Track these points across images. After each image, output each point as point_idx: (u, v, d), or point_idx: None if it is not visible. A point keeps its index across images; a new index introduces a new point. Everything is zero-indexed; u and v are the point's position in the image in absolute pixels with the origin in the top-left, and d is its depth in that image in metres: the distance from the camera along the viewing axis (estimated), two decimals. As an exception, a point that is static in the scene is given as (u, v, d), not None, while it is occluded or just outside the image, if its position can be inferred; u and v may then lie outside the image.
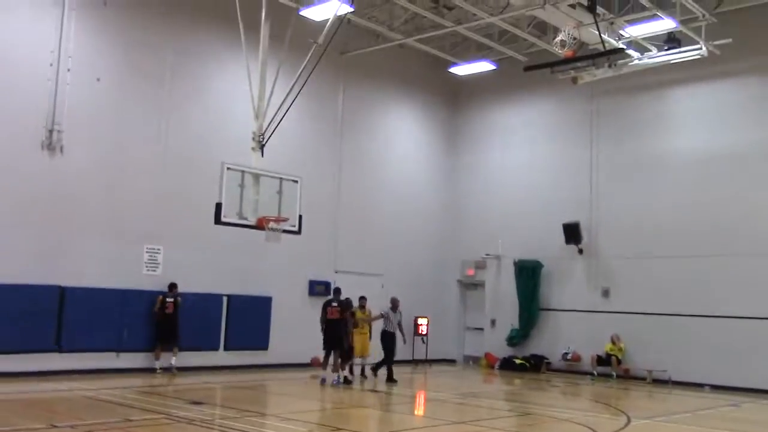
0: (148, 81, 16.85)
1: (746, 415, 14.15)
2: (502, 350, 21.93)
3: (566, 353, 20.69)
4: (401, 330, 16.87)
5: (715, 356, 17.99)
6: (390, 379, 16.26)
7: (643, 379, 18.97)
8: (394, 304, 16.87)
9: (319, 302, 19.81)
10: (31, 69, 14.98)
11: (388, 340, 16.56)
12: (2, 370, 13.85)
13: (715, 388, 17.70)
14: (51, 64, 15.17)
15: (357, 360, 16.30)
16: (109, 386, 13.62)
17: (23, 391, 12.73)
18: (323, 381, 15.31)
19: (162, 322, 16.08)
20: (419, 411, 13.56)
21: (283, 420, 10.96)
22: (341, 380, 15.27)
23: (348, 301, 16.01)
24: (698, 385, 17.95)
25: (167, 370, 15.93)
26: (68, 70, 15.37)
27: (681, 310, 18.74)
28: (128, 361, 15.92)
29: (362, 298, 16.67)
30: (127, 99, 16.48)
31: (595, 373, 19.31)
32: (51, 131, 15.10)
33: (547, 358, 21.15)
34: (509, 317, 22.00)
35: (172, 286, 16.40)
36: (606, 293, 20.37)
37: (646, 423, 12.19)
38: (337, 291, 16.44)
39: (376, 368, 16.75)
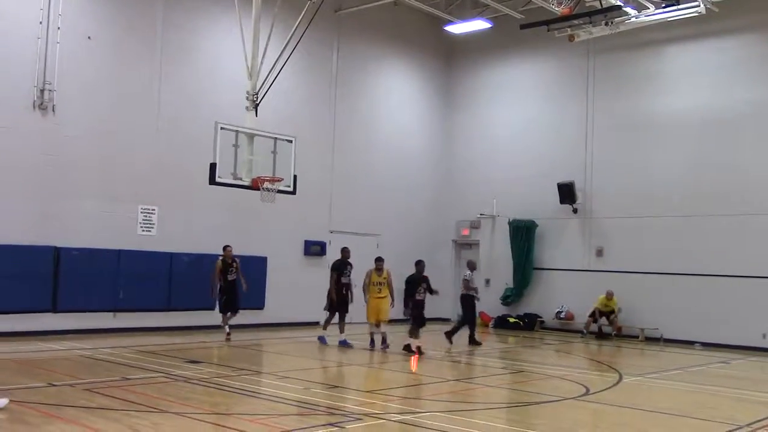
0: (140, 39, 16.64)
1: (735, 372, 14.38)
2: (497, 309, 22.12)
3: (560, 312, 20.89)
4: (475, 292, 16.62)
5: (705, 315, 18.21)
6: (473, 341, 16.31)
7: (636, 337, 19.21)
8: (472, 266, 16.70)
9: (314, 262, 19.97)
10: (20, 27, 14.77)
11: (468, 302, 16.39)
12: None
13: (706, 345, 17.95)
14: (40, 22, 14.94)
15: (374, 327, 15.18)
16: (106, 345, 13.73)
17: (20, 350, 12.81)
18: (322, 340, 15.55)
19: (226, 289, 15.74)
20: (413, 368, 13.70)
21: (279, 378, 11.09)
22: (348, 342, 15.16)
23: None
24: (689, 343, 18.19)
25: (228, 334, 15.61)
26: (58, 28, 15.15)
27: (673, 269, 18.89)
28: (124, 320, 16.02)
29: (379, 260, 15.44)
30: (119, 57, 16.30)
31: (585, 331, 19.48)
32: (42, 91, 14.95)
33: (540, 317, 21.36)
34: (504, 276, 22.14)
35: (229, 247, 15.88)
36: (600, 253, 20.49)
37: (637, 380, 12.37)
38: (379, 259, 15.43)
39: (451, 333, 16.28)
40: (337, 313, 15.39)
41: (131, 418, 7.87)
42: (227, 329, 15.61)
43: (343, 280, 15.37)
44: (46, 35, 15.01)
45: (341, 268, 15.45)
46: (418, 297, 14.71)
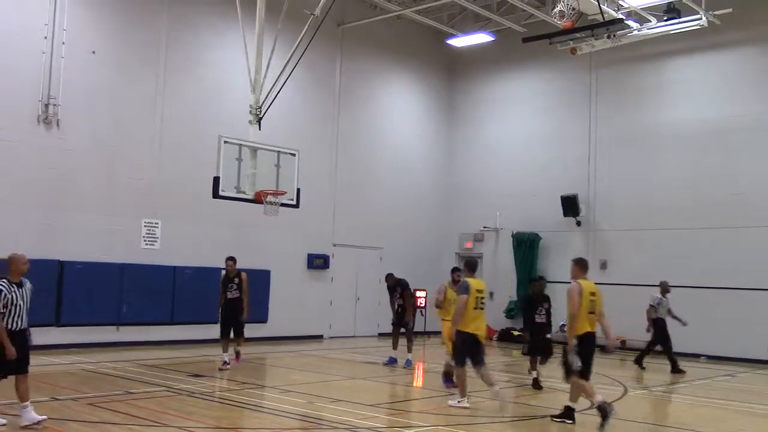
0: (143, 53, 16.72)
1: (742, 385, 14.30)
2: (500, 322, 22.05)
3: (563, 324, 20.69)
4: (672, 315, 15.45)
5: (711, 327, 18.10)
6: (676, 369, 15.10)
7: (639, 350, 19.06)
8: (665, 288, 15.62)
9: (318, 275, 19.95)
10: (25, 42, 14.86)
11: (660, 326, 15.26)
12: None
13: (712, 358, 17.84)
14: (45, 37, 15.04)
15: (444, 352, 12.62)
16: (109, 359, 13.70)
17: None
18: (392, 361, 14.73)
19: (225, 308, 13.72)
20: (417, 382, 13.66)
21: (282, 392, 11.04)
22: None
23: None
24: (695, 356, 18.09)
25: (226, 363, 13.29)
26: (63, 42, 15.24)
27: (678, 281, 18.75)
28: (127, 334, 15.99)
29: (457, 270, 12.89)
30: (123, 72, 16.37)
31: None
32: (47, 105, 15.02)
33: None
34: (507, 289, 22.08)
35: (231, 260, 13.85)
36: (603, 265, 20.43)
37: (642, 393, 12.30)
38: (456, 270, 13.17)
39: (639, 359, 15.39)
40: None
41: (134, 432, 7.85)
42: (225, 358, 13.37)
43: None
44: (50, 50, 15.09)
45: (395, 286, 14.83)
46: (538, 320, 12.48)
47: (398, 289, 14.89)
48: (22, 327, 8.05)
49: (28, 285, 8.20)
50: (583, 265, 9.63)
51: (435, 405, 10.68)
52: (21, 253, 8.29)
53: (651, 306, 15.58)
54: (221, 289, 13.85)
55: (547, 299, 12.62)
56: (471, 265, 10.97)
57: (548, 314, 12.45)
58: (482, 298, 10.37)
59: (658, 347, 15.72)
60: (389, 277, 15.25)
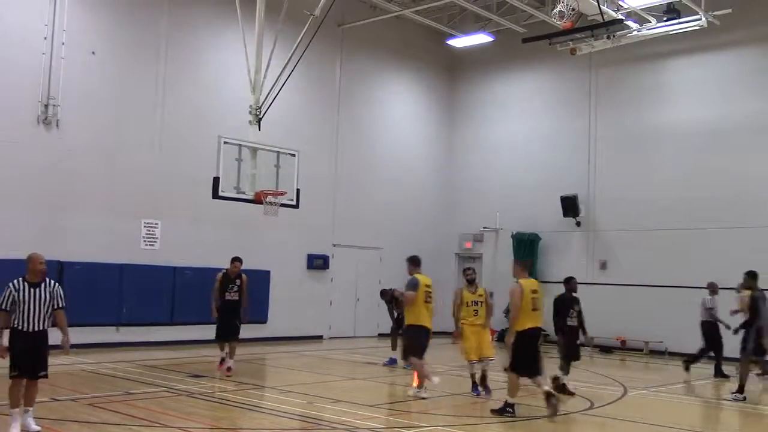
0: (144, 53, 16.73)
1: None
2: (500, 322, 22.01)
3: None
4: (717, 319, 14.40)
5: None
6: (720, 373, 14.35)
7: (640, 350, 19.11)
8: (713, 289, 14.69)
9: (317, 275, 19.90)
10: (25, 42, 14.87)
11: (710, 329, 14.45)
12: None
13: (711, 358, 17.80)
14: (45, 38, 15.04)
15: (475, 364, 11.29)
16: (109, 360, 13.70)
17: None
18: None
19: (223, 310, 13.06)
20: (417, 383, 13.63)
21: (282, 392, 11.04)
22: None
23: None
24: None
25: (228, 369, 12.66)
26: (63, 43, 15.25)
27: (677, 282, 18.81)
28: (127, 335, 15.99)
29: (470, 271, 11.68)
30: (123, 72, 16.38)
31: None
32: (47, 105, 15.03)
33: (544, 330, 21.13)
34: (507, 290, 22.03)
35: (238, 261, 13.30)
36: (603, 265, 20.44)
37: (642, 394, 12.30)
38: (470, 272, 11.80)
39: (689, 362, 14.51)
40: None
41: (134, 432, 7.85)
42: (223, 354, 12.96)
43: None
44: (50, 50, 15.09)
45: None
46: (569, 323, 11.77)
47: (393, 303, 15.00)
48: (36, 329, 7.69)
49: (50, 287, 7.87)
50: (524, 266, 10.28)
51: (435, 405, 10.67)
52: (37, 253, 7.99)
53: (706, 309, 14.63)
54: (218, 290, 13.03)
55: (577, 301, 11.98)
56: (416, 260, 11.29)
57: (580, 316, 11.87)
58: (430, 292, 10.93)
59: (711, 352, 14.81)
60: (384, 294, 15.31)
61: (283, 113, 16.69)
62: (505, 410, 9.57)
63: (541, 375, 9.78)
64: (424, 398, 10.66)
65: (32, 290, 7.71)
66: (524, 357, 9.58)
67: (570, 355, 11.84)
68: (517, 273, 10.02)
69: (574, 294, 11.97)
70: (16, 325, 7.67)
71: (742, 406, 11.39)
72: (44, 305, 7.74)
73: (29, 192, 14.77)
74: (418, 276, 10.93)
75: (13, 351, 7.71)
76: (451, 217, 23.59)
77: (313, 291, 19.59)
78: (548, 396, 9.45)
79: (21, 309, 7.64)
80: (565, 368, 11.68)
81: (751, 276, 12.34)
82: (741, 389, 11.65)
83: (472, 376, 11.30)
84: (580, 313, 11.86)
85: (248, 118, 13.53)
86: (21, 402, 7.68)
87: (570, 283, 12.07)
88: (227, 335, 13.04)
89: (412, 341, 10.98)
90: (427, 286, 10.86)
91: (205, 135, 15.63)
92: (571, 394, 11.08)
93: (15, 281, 7.72)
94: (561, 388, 10.98)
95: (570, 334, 11.81)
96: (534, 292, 9.71)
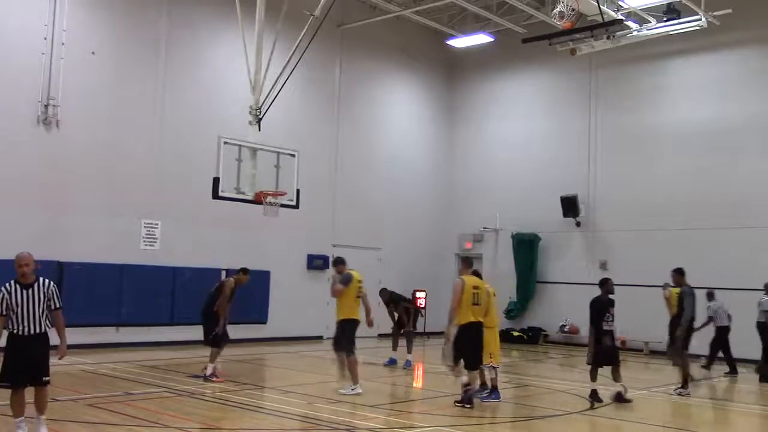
0: (143, 54, 16.72)
1: (742, 386, 14.28)
2: (500, 323, 22.01)
3: (564, 325, 20.81)
4: None
5: (711, 328, 18.04)
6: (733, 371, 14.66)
7: (640, 350, 19.11)
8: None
9: (317, 276, 19.87)
10: (24, 43, 14.86)
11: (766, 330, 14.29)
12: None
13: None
14: (45, 38, 15.03)
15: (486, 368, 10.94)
16: (108, 360, 13.70)
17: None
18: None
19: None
20: (417, 383, 13.66)
21: (282, 393, 11.04)
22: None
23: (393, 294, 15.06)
24: (695, 357, 18.04)
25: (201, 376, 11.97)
26: (62, 43, 15.24)
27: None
28: (127, 335, 15.98)
29: (468, 264, 11.03)
30: (123, 72, 16.37)
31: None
32: (47, 106, 15.02)
33: (544, 330, 21.27)
34: (507, 290, 22.07)
35: (248, 275, 12.77)
36: (603, 266, 20.41)
37: (642, 394, 12.29)
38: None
39: (763, 370, 14.28)
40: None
41: (134, 433, 7.84)
42: (219, 367, 12.10)
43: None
44: (50, 51, 15.08)
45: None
46: (606, 327, 11.02)
47: (391, 305, 15.04)
48: (33, 332, 7.33)
49: (44, 287, 7.40)
50: (469, 264, 10.84)
51: (435, 406, 10.67)
52: (22, 254, 7.53)
53: (763, 311, 14.29)
54: (228, 298, 12.07)
55: (613, 304, 11.19)
56: (341, 260, 11.78)
57: (613, 319, 11.15)
58: (361, 287, 11.41)
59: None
60: (383, 293, 15.27)
61: (283, 113, 16.70)
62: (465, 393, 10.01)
63: (477, 370, 10.34)
64: (359, 393, 10.90)
65: (24, 292, 7.31)
66: (464, 349, 10.10)
67: (598, 361, 11.03)
68: (462, 271, 10.60)
69: (610, 296, 11.17)
70: (12, 330, 7.33)
71: (743, 407, 11.38)
72: (38, 306, 7.35)
73: (29, 192, 14.76)
74: (350, 271, 11.39)
75: (6, 358, 7.38)
76: (451, 217, 23.58)
77: (313, 291, 19.56)
78: (466, 387, 9.96)
79: (15, 312, 7.27)
80: (593, 374, 11.03)
81: (679, 273, 12.88)
82: (685, 383, 12.04)
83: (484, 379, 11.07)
84: (613, 315, 11.11)
85: (248, 118, 13.52)
86: (23, 410, 7.41)
87: (606, 285, 11.28)
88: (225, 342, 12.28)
89: (347, 335, 11.21)
90: (359, 281, 11.36)
91: (204, 135, 15.60)
92: (600, 401, 10.74)
93: (7, 284, 7.34)
94: (593, 394, 10.78)
95: (605, 339, 11.02)
96: (475, 287, 10.22)
